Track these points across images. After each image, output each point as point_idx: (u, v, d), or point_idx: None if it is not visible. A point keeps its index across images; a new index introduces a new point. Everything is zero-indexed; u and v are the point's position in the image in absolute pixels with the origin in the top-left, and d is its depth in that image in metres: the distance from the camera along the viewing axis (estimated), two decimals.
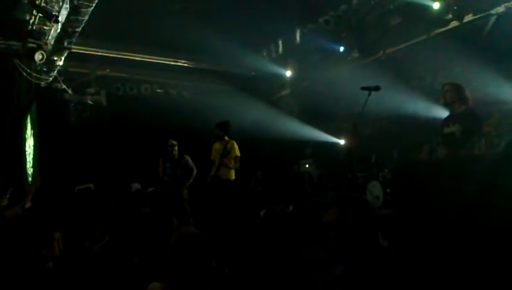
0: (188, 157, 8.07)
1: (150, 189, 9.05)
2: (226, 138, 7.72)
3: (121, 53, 10.37)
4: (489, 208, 3.19)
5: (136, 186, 9.41)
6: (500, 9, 7.36)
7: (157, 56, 10.92)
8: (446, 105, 4.98)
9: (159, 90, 11.58)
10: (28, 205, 6.63)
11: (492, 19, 7.55)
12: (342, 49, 10.33)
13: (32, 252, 3.41)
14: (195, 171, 8.02)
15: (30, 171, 10.62)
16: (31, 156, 10.55)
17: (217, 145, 7.75)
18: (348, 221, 1.93)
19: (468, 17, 7.90)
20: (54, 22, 7.34)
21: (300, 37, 10.64)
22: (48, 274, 3.48)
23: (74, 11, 6.77)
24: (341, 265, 1.98)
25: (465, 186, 3.37)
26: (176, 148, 8.03)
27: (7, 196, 6.85)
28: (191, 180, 8.01)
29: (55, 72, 9.08)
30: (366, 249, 1.89)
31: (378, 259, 1.87)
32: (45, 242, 3.73)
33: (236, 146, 7.64)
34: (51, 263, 3.75)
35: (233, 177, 7.67)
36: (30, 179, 10.54)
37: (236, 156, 7.60)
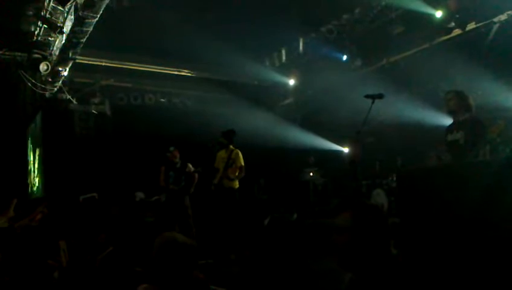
0: (190, 165, 8.08)
1: (154, 198, 9.06)
2: (231, 146, 7.70)
3: (125, 63, 10.46)
4: (495, 213, 3.18)
5: (140, 195, 9.43)
6: (503, 17, 7.37)
7: (160, 66, 10.99)
8: (449, 112, 4.98)
9: (162, 100, 11.62)
10: (38, 216, 6.64)
11: (495, 27, 7.55)
12: (345, 57, 10.37)
13: (39, 262, 3.42)
14: (197, 177, 8.03)
15: (35, 181, 10.64)
16: (36, 166, 10.58)
17: (222, 154, 7.73)
18: (362, 227, 1.86)
19: (471, 26, 7.91)
20: (58, 33, 7.42)
21: (304, 46, 10.69)
22: (53, 284, 3.48)
23: (79, 22, 6.84)
24: (350, 272, 1.92)
25: (471, 193, 3.36)
26: (178, 156, 8.06)
27: (11, 209, 6.85)
28: (193, 187, 8.04)
29: (60, 82, 9.15)
30: (378, 257, 1.83)
31: (390, 268, 1.81)
32: (51, 252, 3.74)
33: (241, 155, 7.62)
34: (57, 273, 3.75)
35: (237, 186, 7.65)
36: (35, 189, 10.56)
37: (241, 166, 7.57)
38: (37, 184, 10.55)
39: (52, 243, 3.88)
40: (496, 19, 7.47)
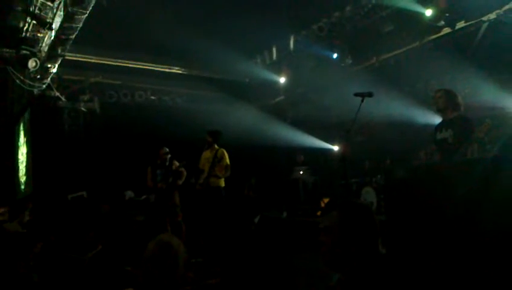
0: (176, 162, 8.08)
1: (144, 197, 9.02)
2: (216, 146, 7.70)
3: (114, 60, 10.39)
4: (482, 211, 3.20)
5: (129, 194, 9.38)
6: (492, 16, 7.43)
7: (151, 63, 10.94)
8: (438, 111, 5.01)
9: (152, 97, 11.57)
10: (26, 218, 6.60)
11: (484, 26, 7.61)
12: (335, 55, 10.38)
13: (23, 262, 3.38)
14: (184, 173, 8.03)
15: (23, 179, 10.54)
16: (24, 164, 10.48)
17: (207, 154, 7.72)
18: (349, 227, 1.85)
19: (460, 24, 7.96)
20: (47, 29, 7.34)
21: (294, 44, 10.68)
22: (34, 286, 3.45)
23: (68, 18, 6.78)
24: (338, 273, 1.90)
25: (459, 191, 3.38)
26: (168, 156, 8.06)
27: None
28: (182, 181, 8.04)
29: (49, 79, 9.06)
30: (366, 256, 1.81)
31: (378, 267, 1.80)
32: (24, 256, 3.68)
33: (226, 154, 7.62)
34: (35, 275, 3.71)
35: (223, 184, 7.64)
36: (23, 187, 10.46)
37: (227, 165, 7.57)
38: (23, 182, 10.46)
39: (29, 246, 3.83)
40: (485, 18, 7.54)
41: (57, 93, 9.61)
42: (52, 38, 7.70)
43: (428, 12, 8.05)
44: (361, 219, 1.89)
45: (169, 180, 7.91)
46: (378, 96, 5.35)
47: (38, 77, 8.87)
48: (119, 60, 10.51)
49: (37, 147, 9.47)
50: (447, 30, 8.18)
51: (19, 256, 3.63)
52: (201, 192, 7.57)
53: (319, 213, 9.37)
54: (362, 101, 4.99)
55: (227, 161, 7.59)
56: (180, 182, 8.00)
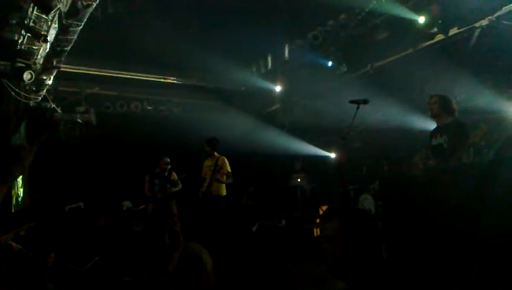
0: (174, 173, 8.11)
1: (142, 207, 9.00)
2: (216, 154, 7.72)
3: (110, 71, 10.38)
4: (479, 216, 3.21)
5: (127, 204, 9.36)
6: (484, 22, 7.48)
7: (146, 73, 10.94)
8: (433, 117, 5.03)
9: (149, 108, 11.58)
10: (22, 233, 6.57)
11: (477, 32, 7.67)
12: (330, 63, 10.42)
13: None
14: (180, 185, 8.09)
15: (20, 191, 10.50)
16: (21, 176, 10.43)
17: (208, 162, 7.76)
18: (351, 234, 1.83)
19: (453, 31, 8.02)
20: (42, 42, 7.35)
21: (289, 52, 10.73)
22: None
23: (63, 30, 6.79)
24: (343, 281, 1.86)
25: (454, 196, 3.39)
26: (169, 166, 8.11)
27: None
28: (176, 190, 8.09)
29: (44, 91, 9.06)
30: (370, 263, 1.79)
31: (382, 274, 1.78)
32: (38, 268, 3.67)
33: (227, 162, 7.65)
34: (51, 284, 3.69)
35: (224, 193, 7.65)
36: (20, 199, 10.42)
37: (228, 172, 7.60)
38: (21, 195, 10.41)
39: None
40: (477, 24, 7.59)
41: (53, 105, 9.60)
42: (47, 50, 7.71)
43: (422, 20, 8.10)
44: (362, 225, 1.87)
45: (166, 189, 7.93)
46: (374, 103, 5.39)
47: (34, 89, 8.87)
48: (115, 71, 10.50)
49: (33, 159, 9.42)
50: (440, 37, 8.24)
51: (33, 268, 3.62)
52: (202, 200, 7.58)
53: (317, 221, 9.38)
54: (358, 108, 5.03)
55: (228, 168, 7.61)
56: (174, 190, 8.03)
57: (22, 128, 10.17)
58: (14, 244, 4.02)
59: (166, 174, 8.06)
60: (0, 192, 1.56)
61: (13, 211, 9.57)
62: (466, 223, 3.28)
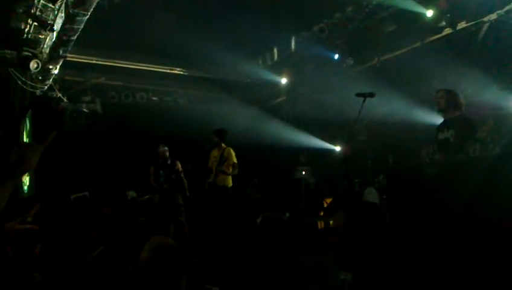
0: (179, 163, 8.11)
1: (146, 197, 9.03)
2: (223, 145, 7.74)
3: (116, 61, 10.39)
4: (485, 210, 3.20)
5: (132, 194, 9.39)
6: (493, 16, 7.42)
7: (152, 64, 10.94)
8: (440, 111, 5.02)
9: (154, 98, 11.59)
10: (29, 219, 6.59)
11: (485, 26, 7.61)
12: (336, 56, 10.39)
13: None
14: (185, 182, 8.14)
15: (26, 180, 10.55)
16: None
17: (214, 153, 7.77)
18: (357, 226, 1.83)
19: (462, 25, 7.95)
20: (49, 31, 7.35)
21: (295, 45, 10.68)
22: (36, 286, 3.44)
23: (69, 19, 6.78)
24: (350, 273, 1.87)
25: (461, 189, 3.38)
26: (168, 153, 8.10)
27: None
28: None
29: (51, 80, 9.08)
30: (378, 255, 1.79)
31: (390, 266, 1.78)
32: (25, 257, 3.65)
33: (233, 153, 7.66)
34: (38, 274, 3.69)
35: (230, 184, 7.67)
36: (26, 188, 10.48)
37: (234, 163, 7.61)
38: (28, 183, 10.47)
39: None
40: (486, 19, 7.53)
41: (59, 95, 9.62)
42: (54, 39, 7.71)
43: (430, 13, 8.04)
44: (369, 217, 1.87)
45: (172, 180, 7.94)
46: (380, 97, 5.36)
47: (40, 78, 8.89)
48: (121, 61, 10.52)
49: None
50: (448, 30, 8.18)
51: (20, 257, 3.62)
52: (208, 191, 7.61)
53: (321, 213, 9.39)
54: (364, 101, 5.01)
55: (234, 159, 7.63)
56: (184, 185, 8.06)
57: (28, 117, 10.21)
58: (19, 226, 4.01)
59: (169, 162, 8.07)
60: (7, 190, 1.57)
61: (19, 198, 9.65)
62: (474, 217, 3.28)
